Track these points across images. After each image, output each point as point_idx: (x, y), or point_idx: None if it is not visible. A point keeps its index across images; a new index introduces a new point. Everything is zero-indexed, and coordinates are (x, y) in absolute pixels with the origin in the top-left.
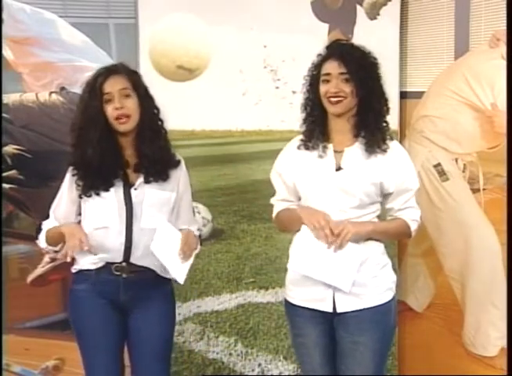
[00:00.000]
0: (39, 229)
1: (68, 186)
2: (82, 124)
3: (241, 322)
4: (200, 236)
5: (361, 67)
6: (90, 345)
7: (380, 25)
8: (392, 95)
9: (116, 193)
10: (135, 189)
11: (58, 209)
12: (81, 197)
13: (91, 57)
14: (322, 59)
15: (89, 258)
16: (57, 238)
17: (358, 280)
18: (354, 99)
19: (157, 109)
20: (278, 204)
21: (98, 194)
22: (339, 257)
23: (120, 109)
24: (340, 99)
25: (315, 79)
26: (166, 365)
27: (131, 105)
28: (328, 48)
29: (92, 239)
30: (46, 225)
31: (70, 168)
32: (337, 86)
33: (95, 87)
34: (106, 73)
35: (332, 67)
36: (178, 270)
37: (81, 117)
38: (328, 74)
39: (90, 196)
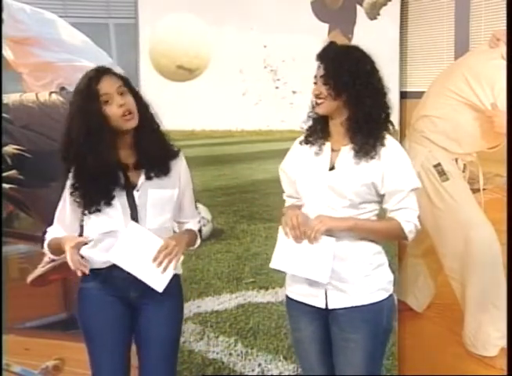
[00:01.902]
0: (43, 237)
1: (69, 201)
2: (84, 132)
3: (241, 322)
4: (200, 230)
5: (340, 70)
6: (98, 343)
7: (380, 25)
8: (392, 95)
9: (119, 198)
10: (138, 190)
11: (62, 216)
12: (84, 214)
13: (91, 57)
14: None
15: (99, 257)
16: (59, 250)
17: (349, 278)
18: (335, 102)
19: (149, 104)
20: (286, 200)
21: (99, 211)
22: (313, 251)
23: (124, 106)
24: (320, 100)
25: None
26: (173, 362)
27: (131, 101)
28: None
29: (99, 243)
30: (50, 234)
31: (68, 187)
32: (318, 88)
33: (90, 90)
34: (98, 74)
35: (317, 70)
36: (153, 278)
37: (81, 125)
38: (315, 77)
39: (93, 212)
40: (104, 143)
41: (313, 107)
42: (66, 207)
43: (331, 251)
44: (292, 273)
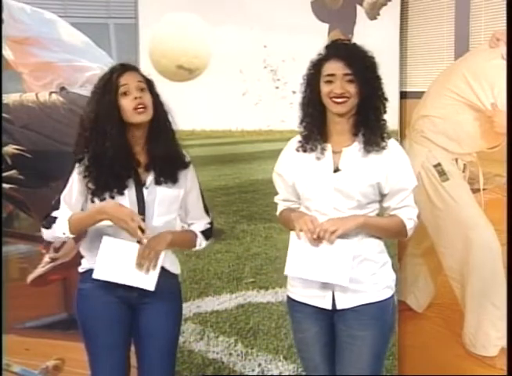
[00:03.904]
0: (50, 219)
1: (78, 177)
2: (95, 119)
3: (241, 322)
4: (205, 231)
5: (365, 68)
6: (98, 343)
7: (380, 25)
8: (392, 95)
9: (128, 192)
10: (147, 187)
11: (69, 196)
12: (93, 201)
13: (91, 57)
14: (324, 59)
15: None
16: (85, 224)
17: (357, 277)
18: (357, 99)
19: (168, 110)
20: (280, 203)
21: (112, 197)
22: (331, 254)
23: (139, 98)
24: (344, 99)
25: (314, 78)
26: (172, 361)
27: (147, 98)
28: (329, 47)
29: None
30: (63, 215)
31: (82, 172)
32: (343, 87)
33: (110, 80)
34: (122, 68)
35: (336, 68)
36: (141, 280)
37: (94, 111)
38: (332, 75)
39: (104, 199)
40: (115, 132)
41: (319, 108)
42: (74, 187)
43: (350, 253)
44: (309, 279)
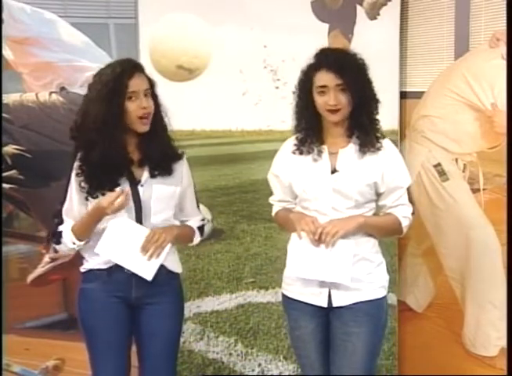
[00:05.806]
0: (57, 235)
1: (75, 187)
2: (103, 121)
3: (241, 322)
4: (201, 227)
5: (356, 76)
6: (100, 343)
7: (380, 25)
8: (392, 95)
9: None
10: (142, 185)
11: (71, 211)
12: (87, 199)
13: (91, 57)
14: (314, 68)
15: (100, 257)
16: (88, 225)
17: (354, 275)
18: (350, 107)
19: (162, 105)
20: (276, 204)
21: (103, 195)
22: (332, 254)
23: (147, 108)
24: (338, 109)
25: (307, 87)
26: (173, 361)
27: (152, 105)
28: (319, 56)
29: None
30: (66, 227)
31: (75, 168)
32: (336, 98)
33: (120, 82)
34: (132, 70)
35: (328, 79)
36: (141, 267)
37: (102, 113)
38: (324, 86)
39: (97, 197)
40: (115, 136)
41: (313, 114)
42: (73, 198)
43: (351, 252)
44: (311, 279)
